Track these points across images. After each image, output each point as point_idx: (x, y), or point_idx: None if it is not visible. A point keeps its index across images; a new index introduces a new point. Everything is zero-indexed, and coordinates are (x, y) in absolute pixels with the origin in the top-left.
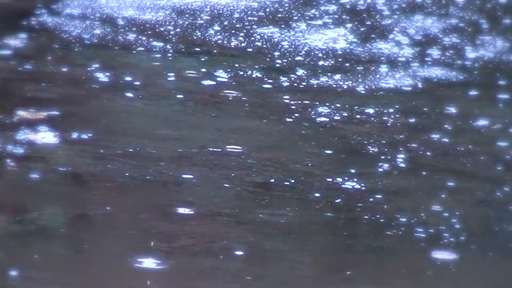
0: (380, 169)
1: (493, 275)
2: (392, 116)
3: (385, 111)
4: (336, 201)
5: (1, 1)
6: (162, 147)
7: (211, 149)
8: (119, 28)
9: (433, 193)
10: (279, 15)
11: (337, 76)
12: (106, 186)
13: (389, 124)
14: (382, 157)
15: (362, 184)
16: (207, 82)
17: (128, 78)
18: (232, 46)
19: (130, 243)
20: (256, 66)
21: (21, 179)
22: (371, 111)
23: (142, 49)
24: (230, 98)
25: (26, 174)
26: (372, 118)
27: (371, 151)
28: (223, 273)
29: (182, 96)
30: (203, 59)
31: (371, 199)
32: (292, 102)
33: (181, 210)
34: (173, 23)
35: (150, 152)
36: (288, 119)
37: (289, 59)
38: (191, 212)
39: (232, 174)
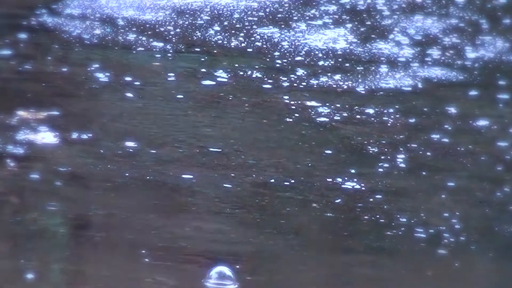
0: (380, 169)
1: (493, 275)
2: (392, 116)
3: (385, 111)
4: (336, 201)
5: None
6: (161, 147)
7: (211, 149)
8: (119, 28)
9: (433, 193)
10: (279, 15)
11: (337, 76)
12: (106, 186)
13: (389, 124)
14: (382, 157)
15: (362, 184)
16: (207, 82)
17: (128, 78)
18: (232, 46)
19: (130, 243)
20: (256, 66)
21: (21, 179)
22: (371, 111)
23: (142, 49)
24: (230, 98)
25: (26, 174)
26: (372, 118)
27: (371, 151)
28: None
29: (182, 96)
30: (203, 59)
31: (371, 199)
32: (292, 102)
33: (181, 210)
34: (173, 23)
35: (149, 152)
36: (288, 119)
37: (289, 59)
38: (191, 213)
39: (232, 174)
